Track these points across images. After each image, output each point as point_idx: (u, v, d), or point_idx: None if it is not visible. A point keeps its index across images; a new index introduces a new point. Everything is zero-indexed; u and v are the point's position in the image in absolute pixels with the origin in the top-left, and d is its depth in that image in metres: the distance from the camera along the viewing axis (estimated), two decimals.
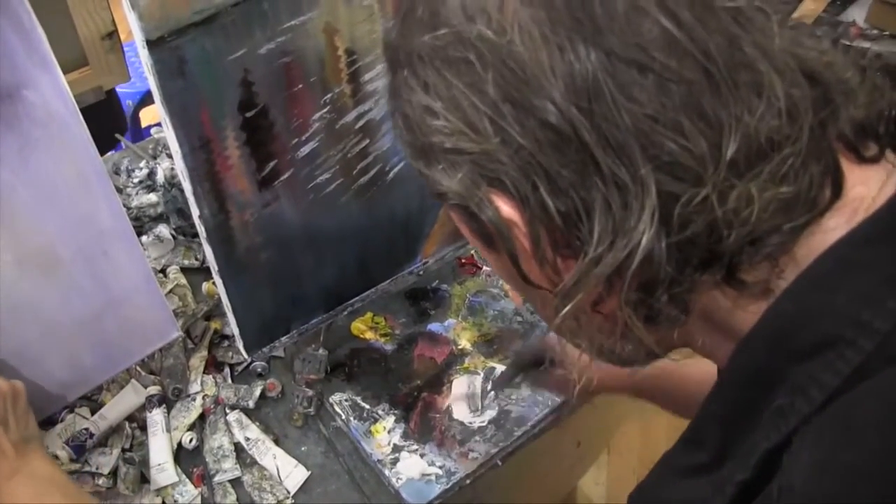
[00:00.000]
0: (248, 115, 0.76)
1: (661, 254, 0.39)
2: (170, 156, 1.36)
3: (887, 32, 1.72)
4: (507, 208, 0.42)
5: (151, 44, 0.66)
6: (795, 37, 0.40)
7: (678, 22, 0.37)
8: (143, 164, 1.39)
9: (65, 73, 0.69)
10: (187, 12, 0.67)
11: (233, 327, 0.93)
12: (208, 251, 0.83)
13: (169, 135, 0.73)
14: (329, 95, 0.81)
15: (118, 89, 1.80)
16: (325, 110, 0.82)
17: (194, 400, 1.11)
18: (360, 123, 0.86)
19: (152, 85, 0.69)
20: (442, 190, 0.44)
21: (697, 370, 0.91)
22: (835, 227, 0.40)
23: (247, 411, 1.11)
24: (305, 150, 0.83)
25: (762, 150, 0.38)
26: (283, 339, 1.00)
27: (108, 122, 1.80)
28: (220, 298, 0.96)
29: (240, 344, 0.96)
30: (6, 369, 0.86)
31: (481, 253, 0.50)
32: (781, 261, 0.41)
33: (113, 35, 1.30)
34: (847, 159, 0.42)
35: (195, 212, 0.79)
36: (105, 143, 1.51)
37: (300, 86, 0.78)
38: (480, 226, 0.45)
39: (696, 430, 0.48)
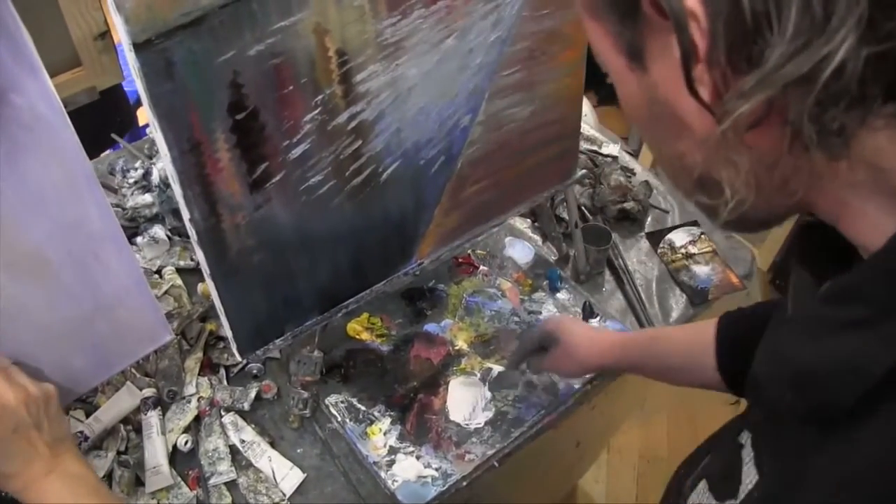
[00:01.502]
0: (239, 117, 0.75)
1: (857, 66, 0.35)
2: None
3: None
4: None
5: (138, 46, 0.66)
6: None
7: None
8: (138, 164, 1.38)
9: (58, 73, 0.68)
10: (174, 14, 0.66)
11: (226, 330, 0.93)
12: (200, 254, 0.83)
13: (158, 138, 0.72)
14: (320, 97, 0.80)
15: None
16: (316, 112, 0.81)
17: (189, 402, 1.10)
18: (353, 124, 0.85)
19: (140, 88, 0.69)
20: None
21: (683, 335, 0.92)
22: None
23: (242, 413, 1.10)
24: (297, 151, 0.82)
25: None
26: (278, 341, 1.00)
27: (114, 118, 1.80)
28: None
29: (233, 346, 0.95)
30: None
31: (617, 74, 0.45)
32: None
33: (106, 35, 1.30)
34: None
35: (186, 215, 0.79)
36: (109, 141, 1.50)
37: (291, 87, 0.77)
38: (634, 30, 0.41)
39: (849, 286, 0.43)
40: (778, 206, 0.44)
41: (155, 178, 1.32)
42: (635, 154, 1.74)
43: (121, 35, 0.66)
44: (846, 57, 0.34)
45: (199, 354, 1.16)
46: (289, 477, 1.04)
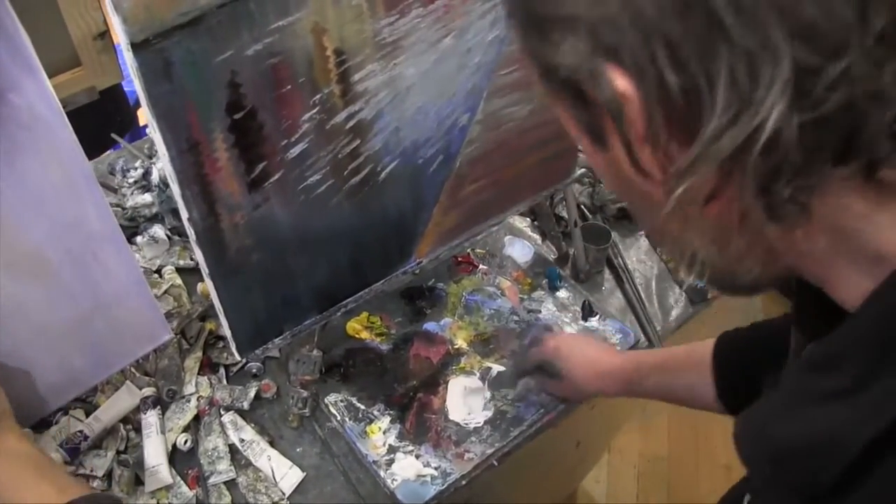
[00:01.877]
0: (237, 116, 0.75)
1: (792, 133, 0.35)
2: None
3: None
4: (621, 81, 0.38)
5: (136, 46, 0.66)
6: None
7: None
8: (138, 163, 1.38)
9: (57, 73, 0.69)
10: (172, 14, 0.66)
11: (225, 329, 0.93)
12: (199, 254, 0.83)
13: (156, 138, 0.72)
14: (318, 96, 0.80)
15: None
16: (314, 111, 0.81)
17: (189, 401, 1.11)
18: (351, 124, 0.85)
19: (138, 88, 0.69)
20: (553, 63, 0.41)
21: (681, 361, 0.91)
22: None
23: (242, 412, 1.10)
24: (295, 151, 0.82)
25: None
26: (277, 340, 1.00)
27: (114, 118, 1.80)
28: None
29: (232, 346, 0.95)
30: None
31: (585, 151, 0.46)
32: None
33: (105, 35, 1.30)
34: None
35: (184, 214, 0.79)
36: (109, 140, 1.50)
37: (289, 87, 0.77)
38: (587, 112, 0.42)
39: (827, 354, 0.43)
40: (761, 272, 0.44)
41: (155, 177, 1.32)
42: None
43: (119, 35, 0.66)
44: (779, 126, 0.35)
45: (199, 354, 1.16)
46: (288, 476, 1.04)
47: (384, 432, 1.08)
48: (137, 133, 2.06)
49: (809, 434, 0.41)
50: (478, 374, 1.15)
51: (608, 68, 0.38)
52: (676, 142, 0.39)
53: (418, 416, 1.10)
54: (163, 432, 1.06)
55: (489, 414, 1.11)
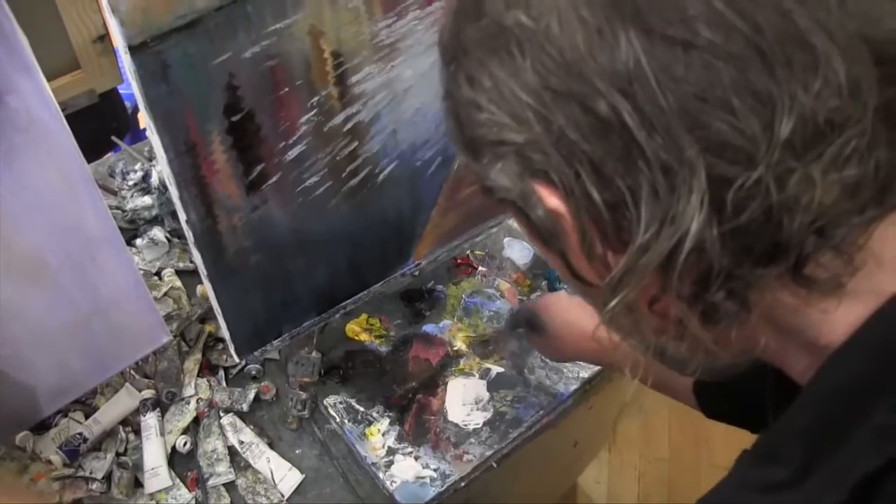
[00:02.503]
0: (234, 119, 0.76)
1: (714, 242, 0.37)
2: None
3: None
4: (552, 200, 0.40)
5: (134, 49, 0.66)
6: (865, 10, 0.37)
7: None
8: (138, 166, 1.38)
9: (57, 76, 0.69)
10: (169, 17, 0.66)
11: (224, 331, 0.93)
12: (197, 256, 0.83)
13: (154, 140, 0.73)
14: (316, 98, 0.80)
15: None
16: (312, 113, 0.81)
17: (188, 403, 1.11)
18: (349, 126, 0.85)
19: (136, 90, 0.69)
20: (489, 184, 0.43)
21: None
22: None
23: (241, 414, 1.11)
24: (293, 153, 0.82)
25: (820, 131, 0.35)
26: (276, 342, 1.00)
27: (111, 122, 1.81)
28: None
29: (231, 348, 0.95)
30: None
31: (539, 252, 0.49)
32: (858, 258, 0.38)
33: (105, 38, 1.30)
34: None
35: (182, 217, 0.79)
36: (109, 143, 1.50)
37: (286, 89, 0.77)
38: (530, 222, 0.44)
39: (772, 445, 0.45)
40: (708, 347, 0.44)
41: (154, 180, 1.32)
42: None
43: (116, 38, 0.66)
44: (701, 237, 0.36)
45: (198, 356, 1.16)
46: (287, 478, 1.04)
47: (383, 434, 1.08)
48: (138, 135, 2.06)
49: None
50: (477, 376, 1.15)
51: (538, 188, 0.41)
52: (612, 252, 0.41)
53: (417, 418, 1.10)
54: (162, 434, 1.06)
55: (488, 415, 1.11)
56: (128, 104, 2.06)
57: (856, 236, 0.38)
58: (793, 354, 0.44)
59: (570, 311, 1.04)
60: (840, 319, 0.40)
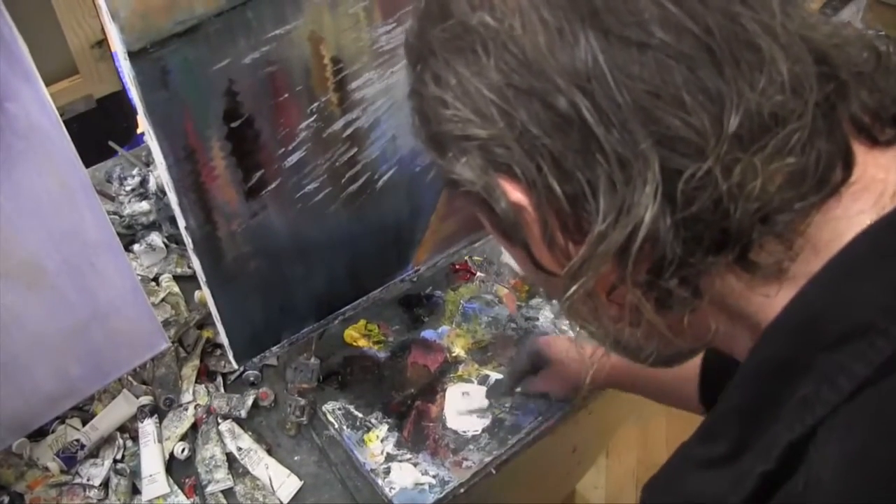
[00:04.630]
0: (234, 125, 0.75)
1: (667, 231, 0.39)
2: None
3: (883, 32, 1.72)
4: (515, 193, 0.42)
5: (133, 55, 0.66)
6: (803, 17, 0.40)
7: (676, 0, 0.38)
8: (135, 171, 1.38)
9: (55, 81, 0.69)
10: (169, 23, 0.66)
11: (222, 337, 0.93)
12: (195, 262, 0.83)
13: (153, 146, 0.72)
14: (316, 104, 0.80)
15: None
16: (311, 119, 0.81)
17: (186, 410, 1.10)
18: (348, 132, 0.85)
19: (135, 96, 0.69)
20: (454, 178, 0.45)
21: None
22: (860, 211, 0.40)
23: (239, 421, 1.10)
24: (293, 159, 0.82)
25: (765, 125, 0.38)
26: (274, 348, 1.00)
27: (120, 124, 1.80)
28: None
29: (230, 354, 0.95)
30: None
31: (500, 244, 0.51)
32: (797, 244, 0.40)
33: (103, 43, 1.30)
34: (861, 143, 0.41)
35: (181, 223, 0.79)
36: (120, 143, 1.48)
37: (286, 95, 0.77)
38: (493, 215, 0.45)
39: (713, 423, 0.47)
40: (663, 334, 0.46)
41: (152, 185, 1.32)
42: None
43: (116, 44, 0.66)
44: (654, 226, 0.39)
45: (196, 362, 1.16)
46: (286, 484, 1.04)
47: (382, 440, 1.08)
48: (135, 140, 2.06)
49: (697, 501, 0.45)
50: (475, 382, 1.15)
51: (502, 181, 0.42)
52: (573, 242, 0.43)
53: (416, 424, 1.10)
54: (160, 441, 1.06)
55: (487, 422, 1.11)
56: None
57: (797, 223, 0.40)
58: (740, 339, 0.45)
59: (571, 342, 1.07)
60: (777, 303, 0.42)
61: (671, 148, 0.38)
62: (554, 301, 1.23)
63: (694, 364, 0.84)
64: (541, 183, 0.41)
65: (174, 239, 1.32)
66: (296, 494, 1.04)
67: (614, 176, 0.39)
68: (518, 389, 1.13)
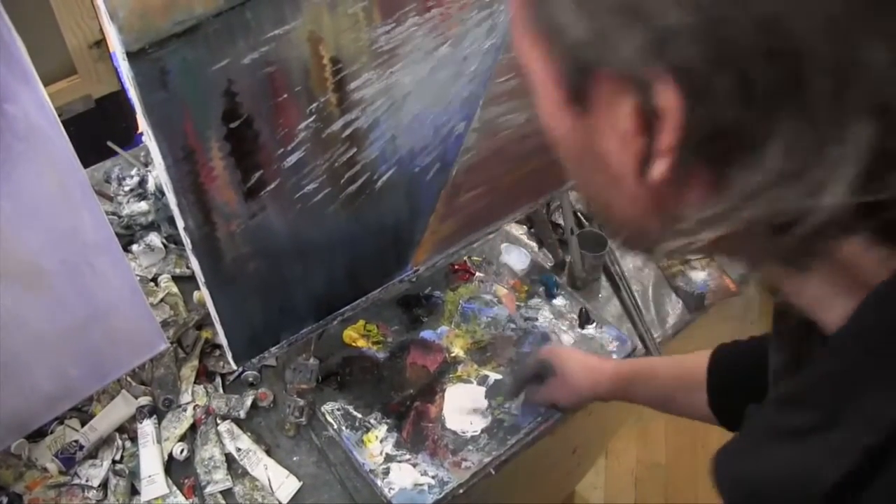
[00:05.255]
0: (233, 125, 0.75)
1: (844, 214, 0.32)
2: None
3: None
4: (671, 96, 0.33)
5: (132, 56, 0.66)
6: None
7: None
8: (134, 171, 1.38)
9: (53, 82, 0.68)
10: (168, 23, 0.66)
11: (221, 338, 0.93)
12: (194, 262, 0.82)
13: (152, 146, 0.72)
14: (315, 104, 0.80)
15: None
16: (311, 119, 0.81)
17: (185, 410, 1.10)
18: (348, 132, 0.85)
19: (134, 97, 0.69)
20: (597, 54, 0.35)
21: (677, 370, 0.91)
22: None
23: (238, 421, 1.10)
24: (292, 159, 0.82)
25: None
26: (273, 349, 1.00)
27: (119, 124, 1.80)
28: None
29: (229, 354, 0.95)
30: None
31: (546, 109, 0.42)
32: None
33: (101, 44, 1.30)
34: None
35: (180, 223, 0.78)
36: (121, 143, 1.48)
37: (285, 95, 0.77)
38: (581, 76, 0.37)
39: (797, 389, 0.42)
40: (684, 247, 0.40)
41: (151, 185, 1.32)
42: None
43: (114, 44, 0.66)
44: (834, 211, 0.32)
45: (195, 362, 1.15)
46: (285, 485, 1.04)
47: (381, 441, 1.08)
48: (134, 141, 2.06)
49: (782, 472, 0.40)
50: (475, 382, 1.15)
51: (663, 79, 0.33)
52: (693, 176, 0.36)
53: (415, 425, 1.10)
54: (159, 441, 1.06)
55: (486, 422, 1.11)
56: None
57: None
58: (835, 300, 0.40)
59: (577, 353, 1.06)
60: (893, 263, 0.37)
61: (890, 128, 0.30)
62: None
63: (700, 373, 0.84)
64: (707, 101, 0.32)
65: (173, 239, 1.32)
66: (295, 495, 1.04)
67: (804, 136, 0.31)
68: (521, 397, 1.13)
